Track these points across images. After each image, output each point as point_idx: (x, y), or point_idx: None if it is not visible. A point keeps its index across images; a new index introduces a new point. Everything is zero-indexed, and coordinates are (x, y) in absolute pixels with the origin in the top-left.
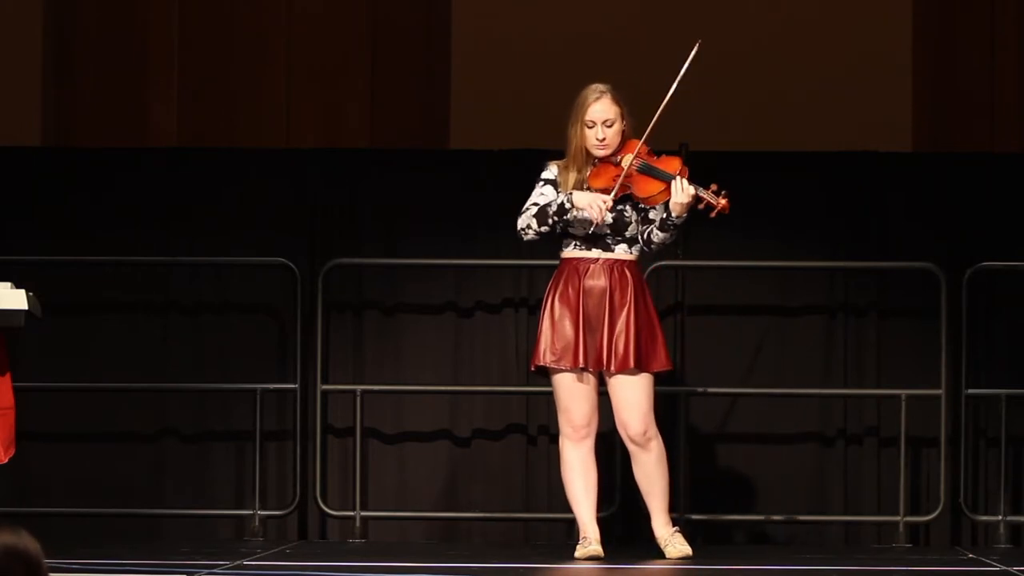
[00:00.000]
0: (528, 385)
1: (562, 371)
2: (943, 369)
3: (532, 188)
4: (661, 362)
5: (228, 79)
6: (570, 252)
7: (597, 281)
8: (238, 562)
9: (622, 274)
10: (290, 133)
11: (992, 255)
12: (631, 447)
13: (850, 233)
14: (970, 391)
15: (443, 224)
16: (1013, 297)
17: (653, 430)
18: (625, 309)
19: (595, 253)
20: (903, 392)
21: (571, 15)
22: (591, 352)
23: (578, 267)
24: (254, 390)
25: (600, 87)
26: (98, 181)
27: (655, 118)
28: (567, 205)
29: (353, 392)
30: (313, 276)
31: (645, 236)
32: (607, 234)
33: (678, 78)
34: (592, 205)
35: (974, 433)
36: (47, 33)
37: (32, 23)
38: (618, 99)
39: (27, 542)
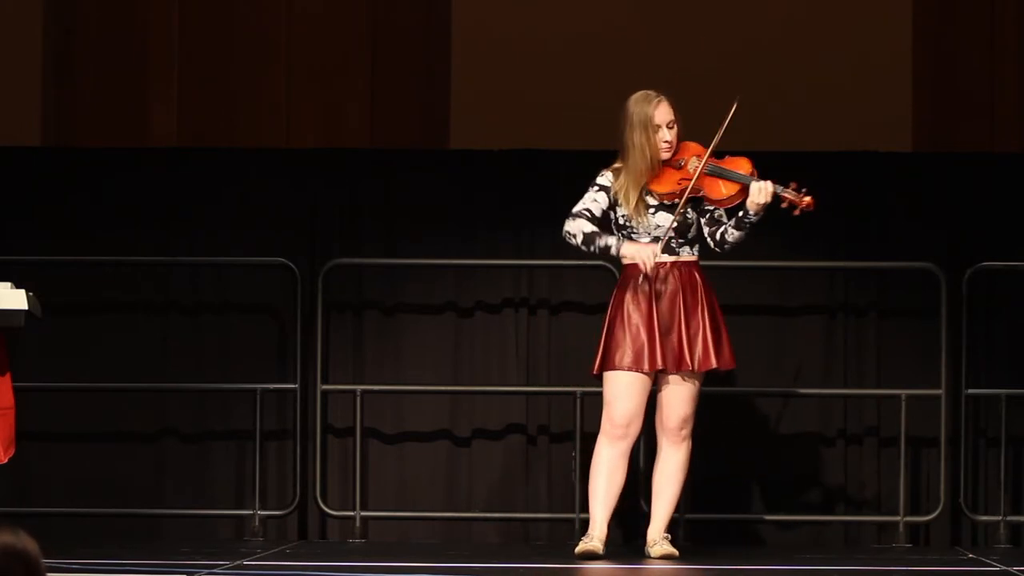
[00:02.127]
0: (528, 385)
1: (620, 370)
2: (943, 369)
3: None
4: (727, 361)
5: (228, 79)
6: None
7: (666, 285)
8: (238, 562)
9: (690, 275)
10: (290, 133)
11: (992, 255)
12: (663, 442)
13: (850, 233)
14: (970, 391)
15: (443, 224)
16: (1013, 297)
17: (689, 431)
18: (698, 309)
19: (660, 257)
20: (903, 392)
21: (571, 15)
22: (669, 355)
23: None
24: (254, 390)
25: (652, 93)
26: (98, 181)
27: (726, 121)
28: (613, 252)
29: (353, 392)
30: (313, 276)
31: (717, 237)
32: (671, 238)
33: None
34: (639, 257)
35: (974, 433)
36: (47, 33)
37: (32, 23)
38: (672, 102)
39: (26, 542)
